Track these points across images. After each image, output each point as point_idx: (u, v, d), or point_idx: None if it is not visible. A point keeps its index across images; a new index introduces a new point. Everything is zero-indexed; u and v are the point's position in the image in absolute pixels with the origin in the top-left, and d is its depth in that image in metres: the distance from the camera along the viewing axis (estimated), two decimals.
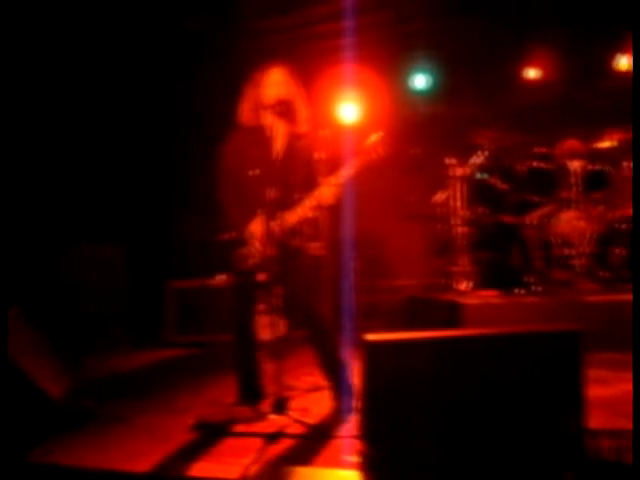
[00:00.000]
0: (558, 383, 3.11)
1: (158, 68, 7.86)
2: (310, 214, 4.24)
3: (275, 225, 4.18)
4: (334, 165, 4.26)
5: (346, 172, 4.15)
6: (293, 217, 4.23)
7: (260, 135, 4.39)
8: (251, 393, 4.39)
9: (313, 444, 3.73)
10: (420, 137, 8.62)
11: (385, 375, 3.16)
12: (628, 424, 3.32)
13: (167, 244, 8.47)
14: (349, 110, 8.67)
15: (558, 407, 3.07)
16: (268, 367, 4.25)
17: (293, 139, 4.40)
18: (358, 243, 6.73)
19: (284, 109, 4.30)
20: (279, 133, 4.40)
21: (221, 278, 7.54)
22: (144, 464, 3.54)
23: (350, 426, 3.89)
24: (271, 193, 4.11)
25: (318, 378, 4.87)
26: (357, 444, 3.35)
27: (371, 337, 3.21)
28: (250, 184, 4.26)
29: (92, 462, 3.64)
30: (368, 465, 3.12)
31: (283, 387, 4.13)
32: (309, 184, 4.26)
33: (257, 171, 4.25)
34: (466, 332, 3.93)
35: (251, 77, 4.45)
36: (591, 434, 3.14)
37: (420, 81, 8.94)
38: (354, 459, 3.36)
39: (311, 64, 7.16)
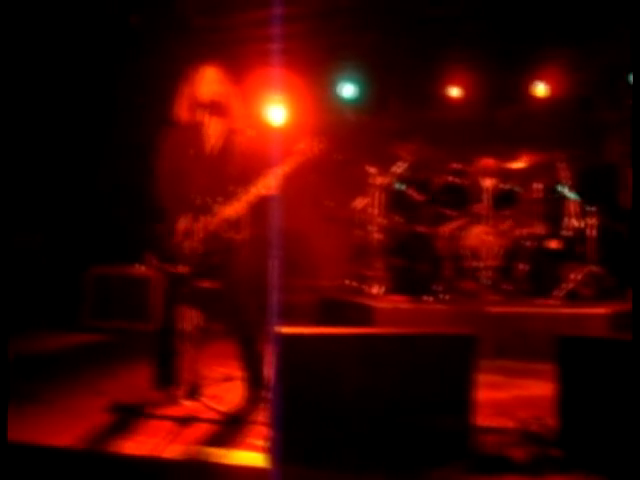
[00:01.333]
0: (450, 382, 3.40)
1: (93, 60, 7.88)
2: (244, 208, 4.44)
3: (210, 219, 4.38)
4: (262, 164, 4.46)
5: (281, 170, 4.37)
6: (228, 211, 4.42)
7: (194, 132, 4.55)
8: (166, 379, 4.54)
9: (222, 428, 3.95)
10: (344, 144, 8.88)
11: (295, 366, 3.40)
12: (511, 423, 3.65)
13: (91, 230, 8.49)
14: (277, 113, 8.87)
15: (450, 403, 3.36)
16: (185, 355, 4.43)
17: (228, 135, 4.59)
18: (279, 242, 6.93)
19: (219, 107, 4.49)
20: (213, 130, 4.58)
21: (140, 267, 7.65)
22: (62, 439, 3.69)
23: (259, 413, 4.10)
24: (206, 188, 4.32)
25: (231, 369, 5.08)
26: (265, 430, 3.59)
27: (285, 330, 3.45)
28: (185, 179, 4.42)
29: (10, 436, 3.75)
30: (274, 448, 3.35)
31: (197, 375, 4.32)
32: (243, 180, 4.45)
33: (192, 167, 4.41)
34: (369, 330, 4.22)
35: (186, 75, 4.59)
36: (478, 431, 3.45)
37: (348, 90, 9.19)
38: (261, 443, 3.58)
39: (242, 66, 7.33)
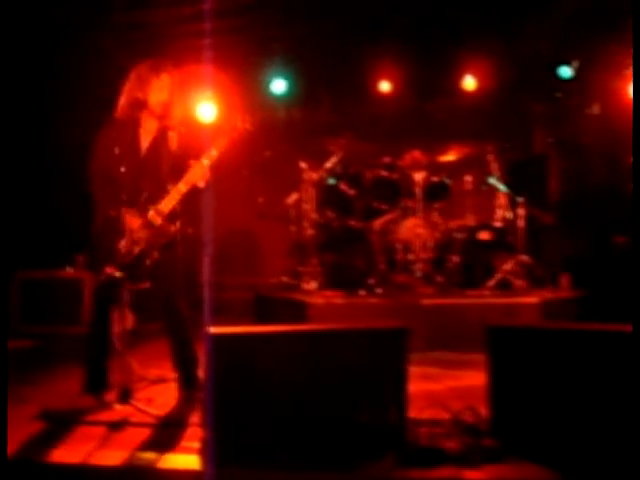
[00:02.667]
0: (383, 376, 3.40)
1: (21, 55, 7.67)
2: (181, 197, 4.37)
3: (152, 215, 4.33)
4: (192, 159, 4.41)
5: (213, 153, 4.33)
6: (167, 205, 4.36)
7: (128, 131, 4.45)
8: (96, 384, 4.46)
9: (156, 432, 3.88)
10: (276, 140, 8.87)
11: (226, 366, 3.37)
12: (445, 414, 3.67)
13: (16, 230, 8.26)
14: (207, 110, 8.79)
15: (383, 397, 3.37)
16: (115, 359, 4.36)
17: (160, 133, 4.52)
18: (209, 239, 6.89)
19: (166, 112, 4.44)
20: (147, 128, 4.50)
21: (69, 270, 7.50)
22: None
23: (193, 415, 4.05)
24: (141, 186, 4.26)
25: (164, 370, 5.02)
26: (199, 432, 3.54)
27: (215, 330, 3.41)
28: (120, 179, 4.32)
29: None
30: (208, 450, 3.31)
31: (128, 378, 4.24)
32: (176, 177, 4.39)
33: (125, 166, 4.32)
34: (300, 327, 4.21)
35: (134, 71, 4.50)
36: (412, 422, 3.46)
37: (278, 85, 9.15)
38: (196, 445, 3.52)
39: (170, 62, 7.22)
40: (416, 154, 7.71)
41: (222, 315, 7.83)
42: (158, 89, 4.45)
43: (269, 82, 9.16)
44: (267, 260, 9.12)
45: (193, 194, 4.40)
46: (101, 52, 7.76)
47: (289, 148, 8.42)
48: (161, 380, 4.99)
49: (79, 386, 4.49)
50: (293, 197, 8.04)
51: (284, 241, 8.42)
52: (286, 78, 9.16)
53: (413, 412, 3.51)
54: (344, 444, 3.32)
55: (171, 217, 4.41)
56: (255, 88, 9.03)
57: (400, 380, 3.42)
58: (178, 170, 4.40)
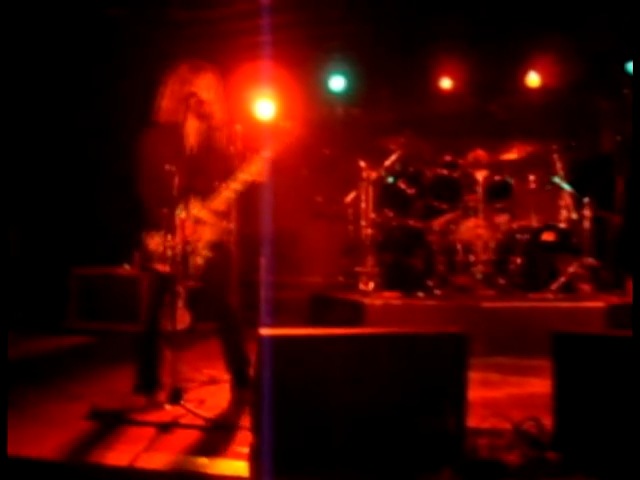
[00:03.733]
0: (441, 383, 3.24)
1: (74, 54, 7.72)
2: (236, 195, 4.30)
3: (202, 212, 4.26)
4: (247, 157, 4.33)
5: (266, 154, 4.24)
6: (218, 203, 4.29)
7: (175, 131, 4.37)
8: (147, 383, 4.41)
9: (205, 435, 3.78)
10: (334, 138, 8.74)
11: (279, 369, 3.24)
12: (506, 424, 3.49)
13: (76, 230, 8.32)
14: (265, 107, 8.71)
15: (441, 405, 3.20)
16: (167, 358, 4.28)
17: (208, 133, 4.44)
18: (267, 238, 6.79)
19: (208, 110, 4.36)
20: (193, 128, 4.42)
21: (126, 267, 7.49)
22: (40, 450, 3.53)
23: (244, 418, 3.94)
24: (191, 185, 4.20)
25: (217, 371, 4.94)
26: (249, 436, 3.43)
27: (267, 331, 3.30)
28: (169, 178, 4.25)
29: None
30: (258, 456, 3.20)
31: (180, 378, 4.16)
32: (227, 176, 4.32)
33: (174, 165, 4.24)
34: (355, 330, 4.06)
35: (175, 72, 4.45)
36: (470, 432, 3.29)
37: (337, 83, 9.04)
38: (244, 450, 3.42)
39: (228, 59, 7.18)
40: (478, 152, 7.51)
41: (278, 315, 7.76)
42: (200, 89, 4.37)
43: (327, 79, 9.05)
44: (324, 260, 8.99)
45: (249, 193, 4.31)
46: (157, 51, 7.72)
47: (347, 146, 8.27)
48: (213, 381, 4.93)
49: (130, 384, 4.44)
50: (351, 196, 7.91)
51: (341, 241, 8.29)
52: (345, 75, 9.04)
53: (472, 421, 3.34)
54: (400, 454, 3.17)
55: (223, 216, 4.32)
56: (313, 85, 8.93)
57: (459, 387, 3.25)
58: (229, 171, 4.32)
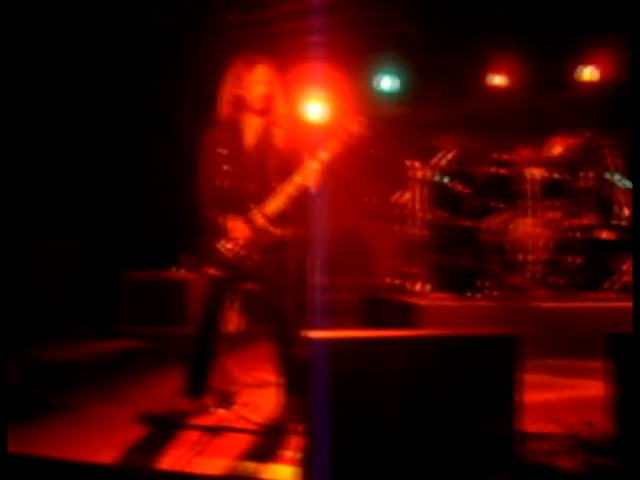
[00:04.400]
0: (492, 386, 3.16)
1: (122, 59, 7.79)
2: (291, 199, 4.22)
3: (256, 217, 4.21)
4: (302, 158, 4.27)
5: (323, 155, 4.17)
6: (272, 206, 4.23)
7: (232, 131, 4.36)
8: (197, 387, 4.38)
9: (256, 439, 3.76)
10: (383, 138, 8.66)
11: (333, 372, 3.20)
12: (560, 428, 3.39)
13: (126, 234, 8.39)
14: (314, 108, 8.67)
15: (491, 409, 3.13)
16: (218, 361, 4.28)
17: (266, 130, 4.41)
18: (320, 241, 6.75)
19: (267, 107, 4.33)
20: (250, 126, 4.39)
21: (178, 270, 7.53)
22: (92, 454, 3.55)
23: (296, 423, 3.90)
24: (246, 186, 4.17)
25: (266, 374, 4.91)
26: (301, 441, 3.39)
27: (320, 334, 3.25)
28: (225, 179, 4.24)
29: (37, 450, 3.62)
30: (309, 461, 3.16)
31: (230, 381, 4.14)
32: (284, 175, 4.24)
33: (230, 166, 4.22)
34: (408, 332, 3.99)
35: (230, 70, 4.43)
36: (524, 437, 3.20)
37: (386, 82, 8.96)
38: (297, 455, 3.38)
39: (278, 60, 7.15)
40: (531, 150, 7.37)
41: (331, 318, 7.72)
42: (254, 83, 4.32)
43: (377, 79, 8.98)
44: (376, 261, 8.93)
45: (303, 196, 4.25)
46: (207, 54, 7.75)
47: (399, 146, 8.18)
48: (263, 384, 4.90)
49: (180, 388, 4.43)
50: (402, 196, 7.83)
51: (392, 242, 8.21)
52: (394, 75, 8.96)
53: (527, 425, 3.25)
54: (452, 458, 3.10)
55: (278, 219, 4.28)
56: (363, 85, 8.86)
57: (511, 390, 3.17)
58: (286, 170, 4.27)
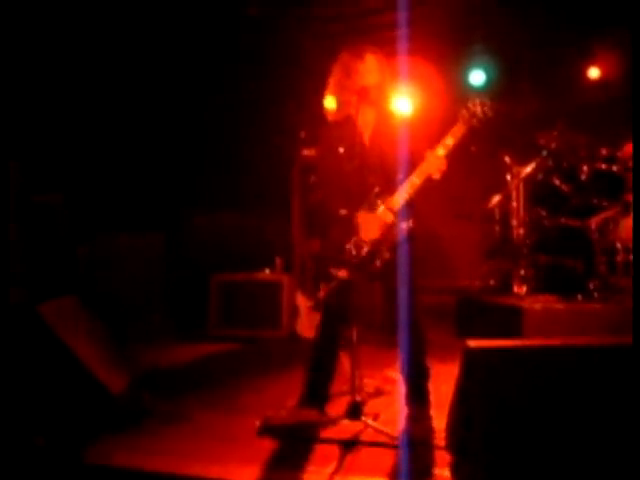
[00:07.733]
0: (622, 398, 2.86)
1: (217, 53, 7.66)
2: (417, 190, 3.98)
3: (385, 213, 3.96)
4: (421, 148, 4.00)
5: (449, 141, 3.91)
6: (398, 200, 3.97)
7: (349, 126, 4.13)
8: (319, 394, 4.14)
9: (393, 453, 3.49)
10: (477, 134, 8.34)
11: (483, 383, 2.93)
12: None
13: (214, 235, 8.22)
14: (403, 103, 8.39)
15: (612, 425, 2.83)
16: (341, 368, 4.03)
17: (380, 121, 4.17)
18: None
19: (378, 95, 4.09)
20: (365, 119, 4.15)
21: (268, 272, 7.30)
22: (214, 469, 3.32)
23: (434, 436, 3.63)
24: (370, 182, 3.93)
25: (378, 380, 4.72)
26: (445, 456, 3.12)
27: (475, 344, 2.97)
28: (348, 176, 4.00)
29: (157, 465, 3.42)
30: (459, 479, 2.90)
31: (356, 390, 3.87)
32: (407, 165, 4.00)
33: (352, 162, 3.99)
34: (556, 342, 3.68)
35: (337, 62, 4.22)
36: None
37: (477, 77, 8.64)
38: (445, 473, 3.10)
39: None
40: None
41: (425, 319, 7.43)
42: (366, 73, 4.11)
43: (467, 74, 8.66)
44: (468, 262, 8.60)
45: (426, 188, 3.99)
46: (297, 48, 7.57)
47: (493, 143, 7.85)
48: (379, 392, 4.63)
49: (294, 395, 4.19)
50: (498, 195, 7.49)
51: (486, 242, 7.88)
52: (485, 69, 8.63)
53: None
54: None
55: (404, 213, 4.00)
56: (452, 81, 8.55)
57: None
58: (407, 161, 4.00)
